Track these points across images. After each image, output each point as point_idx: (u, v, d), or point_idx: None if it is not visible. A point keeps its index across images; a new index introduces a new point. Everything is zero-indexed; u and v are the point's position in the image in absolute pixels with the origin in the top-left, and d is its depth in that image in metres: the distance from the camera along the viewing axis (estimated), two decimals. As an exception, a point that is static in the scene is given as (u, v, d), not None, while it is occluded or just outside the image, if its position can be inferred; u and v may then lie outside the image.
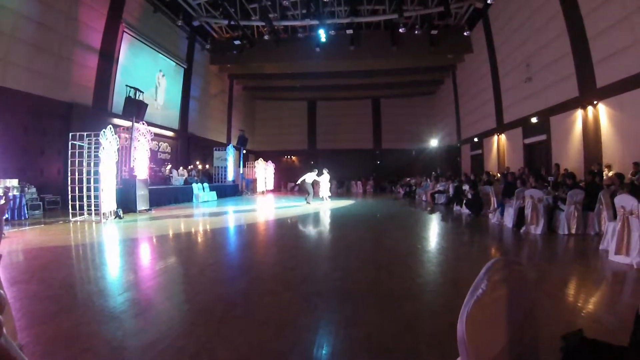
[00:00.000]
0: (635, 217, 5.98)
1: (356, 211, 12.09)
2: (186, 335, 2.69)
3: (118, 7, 15.36)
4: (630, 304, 3.32)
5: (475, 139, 21.18)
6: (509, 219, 8.74)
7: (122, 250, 6.05)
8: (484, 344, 0.91)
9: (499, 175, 14.80)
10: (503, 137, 17.77)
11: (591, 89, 11.17)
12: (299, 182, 15.88)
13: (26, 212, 10.03)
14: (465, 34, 19.67)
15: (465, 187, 12.47)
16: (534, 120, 14.47)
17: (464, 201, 11.97)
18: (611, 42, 10.24)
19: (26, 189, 10.63)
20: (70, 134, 9.84)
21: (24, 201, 9.99)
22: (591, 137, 11.34)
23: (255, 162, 25.46)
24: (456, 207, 12.71)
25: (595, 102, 11.05)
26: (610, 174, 9.28)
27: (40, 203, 11.06)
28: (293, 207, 14.13)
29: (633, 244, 5.16)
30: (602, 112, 10.88)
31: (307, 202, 14.75)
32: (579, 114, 11.89)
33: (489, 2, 16.06)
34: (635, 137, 9.65)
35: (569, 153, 12.46)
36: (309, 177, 15.39)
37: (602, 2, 10.44)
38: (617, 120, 10.35)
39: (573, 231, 7.51)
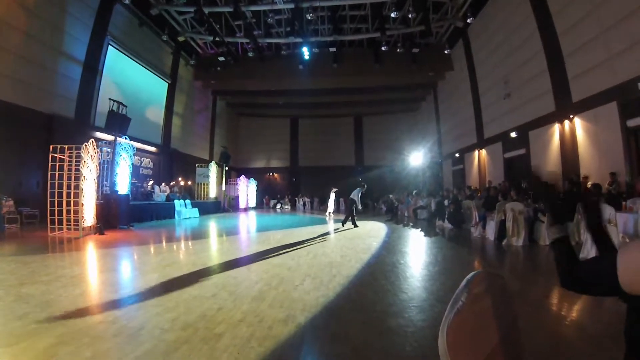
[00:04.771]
0: (613, 226, 6.15)
1: (340, 228, 12.02)
2: (169, 353, 2.59)
3: (104, 19, 15.34)
4: (614, 310, 3.37)
5: (457, 154, 21.62)
6: (490, 232, 8.83)
7: (101, 267, 5.83)
8: (465, 356, 0.91)
9: (479, 191, 15.02)
10: (484, 152, 18.19)
11: (567, 104, 11.63)
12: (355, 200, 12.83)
13: (3, 225, 9.68)
14: (446, 52, 20.30)
15: (447, 202, 12.62)
16: (513, 134, 14.91)
17: (446, 216, 12.09)
18: (586, 58, 10.76)
19: (3, 201, 10.27)
20: (51, 147, 9.57)
21: (0, 214, 9.65)
22: (568, 150, 11.71)
23: (238, 179, 25.31)
24: (438, 222, 12.81)
25: (571, 116, 11.49)
26: (588, 184, 9.55)
27: (18, 217, 10.69)
28: (274, 222, 13.96)
29: (613, 251, 5.26)
30: (578, 126, 11.30)
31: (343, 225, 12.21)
32: (556, 128, 12.31)
33: (469, 21, 16.68)
34: (610, 149, 10.04)
35: (548, 166, 12.81)
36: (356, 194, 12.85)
37: (577, 20, 11.00)
38: (593, 132, 10.76)
39: (553, 241, 7.61)
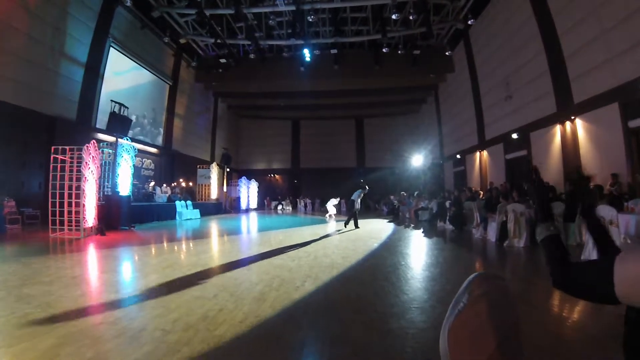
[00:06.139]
0: (615, 227, 6.12)
1: (341, 229, 12.02)
2: (170, 354, 2.58)
3: (106, 21, 15.39)
4: (615, 312, 3.35)
5: (458, 156, 21.59)
6: (492, 234, 8.79)
7: (102, 268, 5.83)
8: (467, 358, 0.91)
9: (482, 193, 15.00)
10: (485, 153, 18.16)
11: (568, 105, 11.61)
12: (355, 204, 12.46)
13: (4, 226, 9.69)
14: (447, 53, 20.33)
15: (448, 203, 12.59)
16: (514, 136, 14.88)
17: (448, 217, 12.06)
18: (587, 59, 10.75)
19: (5, 202, 10.28)
20: (53, 148, 9.57)
21: (2, 215, 9.66)
22: (570, 151, 11.69)
23: (239, 180, 25.33)
24: (440, 223, 12.77)
25: (572, 117, 11.47)
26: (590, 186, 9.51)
27: (20, 217, 10.71)
28: (275, 224, 13.94)
29: (615, 253, 5.23)
30: (580, 127, 11.28)
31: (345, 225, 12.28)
32: (557, 129, 12.29)
33: (469, 23, 16.68)
34: (612, 150, 10.02)
35: (549, 167, 12.76)
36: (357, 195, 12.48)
37: (577, 21, 10.98)
38: (594, 133, 10.74)
39: (555, 242, 7.58)
